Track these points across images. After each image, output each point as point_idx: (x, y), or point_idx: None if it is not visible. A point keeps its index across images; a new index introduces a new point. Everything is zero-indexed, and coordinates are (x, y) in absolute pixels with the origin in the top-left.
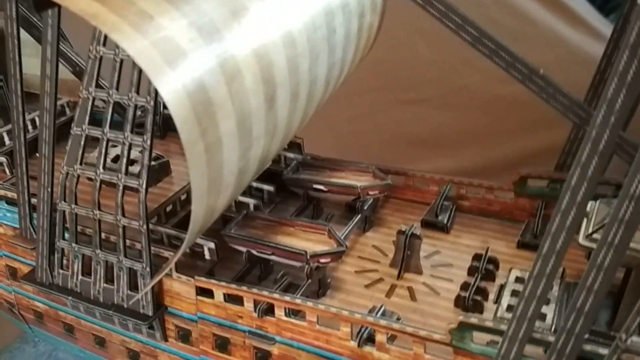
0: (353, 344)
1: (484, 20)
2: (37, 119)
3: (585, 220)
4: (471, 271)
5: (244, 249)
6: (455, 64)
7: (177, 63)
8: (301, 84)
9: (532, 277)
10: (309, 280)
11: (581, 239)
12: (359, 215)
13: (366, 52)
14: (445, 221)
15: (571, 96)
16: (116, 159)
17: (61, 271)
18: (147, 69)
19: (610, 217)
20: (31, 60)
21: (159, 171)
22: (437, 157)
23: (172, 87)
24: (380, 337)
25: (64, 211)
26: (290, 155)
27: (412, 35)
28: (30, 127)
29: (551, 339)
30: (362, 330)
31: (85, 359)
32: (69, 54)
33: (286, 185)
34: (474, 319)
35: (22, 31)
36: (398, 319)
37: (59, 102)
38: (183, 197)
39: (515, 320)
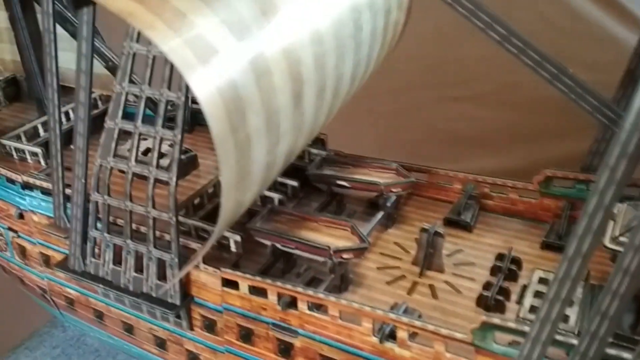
0: (375, 339)
1: (536, 17)
2: (70, 112)
3: (612, 222)
4: (494, 271)
5: (268, 243)
6: (504, 61)
7: (209, 61)
8: (327, 81)
9: (557, 279)
10: (332, 275)
11: (607, 242)
12: (382, 212)
13: (391, 48)
14: (468, 220)
15: (600, 96)
16: (146, 152)
17: (93, 260)
18: (180, 67)
19: (639, 221)
20: (65, 54)
21: (187, 165)
22: (481, 156)
23: (204, 84)
24: (401, 334)
25: (96, 202)
26: (314, 151)
27: (461, 31)
28: (64, 119)
29: (574, 341)
30: (384, 326)
31: (114, 344)
32: (102, 49)
33: (310, 180)
34: (496, 319)
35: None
36: (419, 316)
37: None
38: (210, 190)
39: (539, 322)
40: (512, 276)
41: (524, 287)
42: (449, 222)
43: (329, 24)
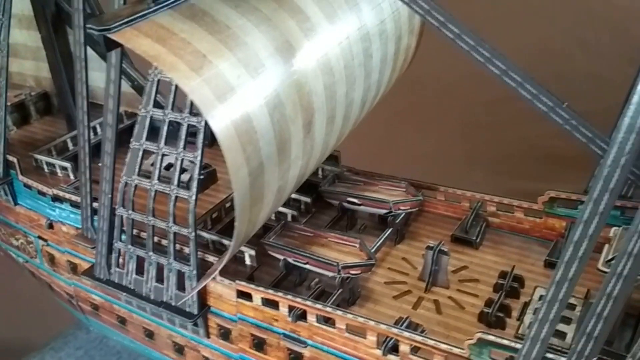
0: (378, 352)
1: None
2: (98, 127)
3: (606, 245)
4: (496, 288)
5: (281, 257)
6: (615, 80)
7: (226, 98)
8: (338, 108)
9: (545, 301)
10: (340, 290)
11: (600, 264)
12: (390, 229)
13: (403, 70)
14: (474, 237)
15: (593, 129)
16: (168, 167)
17: (117, 269)
18: (199, 105)
19: (621, 250)
20: (94, 73)
21: (206, 179)
22: (581, 178)
23: (220, 120)
24: (403, 348)
25: (122, 216)
26: (328, 167)
27: (571, 46)
28: (92, 134)
29: (563, 359)
30: (387, 340)
31: (135, 349)
32: (128, 70)
33: (322, 196)
34: (492, 335)
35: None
36: (422, 331)
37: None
38: (227, 205)
39: (529, 341)
40: (514, 293)
41: (525, 304)
42: (456, 239)
43: (339, 56)
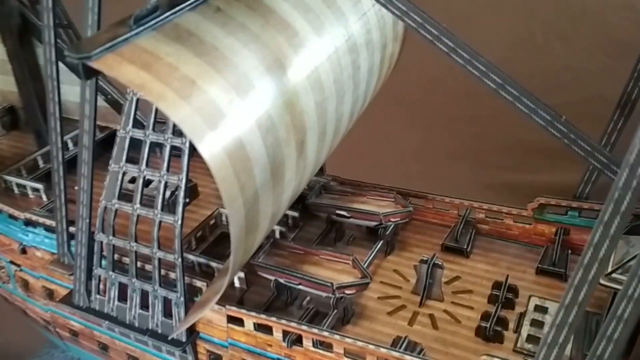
0: None
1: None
2: (69, 142)
3: None
4: (491, 299)
5: (272, 278)
6: (595, 71)
7: (218, 125)
8: (328, 124)
9: (554, 325)
10: (335, 311)
11: (601, 278)
12: (381, 241)
13: (386, 78)
14: (465, 246)
15: (592, 142)
16: (148, 183)
17: (98, 296)
18: (190, 134)
19: (631, 273)
20: (64, 86)
21: (188, 194)
22: (559, 169)
23: (213, 148)
24: None
25: (101, 242)
26: (313, 178)
27: (551, 39)
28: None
29: None
30: None
31: None
32: (101, 83)
33: (309, 209)
34: (498, 358)
35: None
36: (421, 350)
37: None
38: (212, 222)
39: None
40: (509, 304)
41: (521, 315)
42: (447, 248)
43: (329, 70)
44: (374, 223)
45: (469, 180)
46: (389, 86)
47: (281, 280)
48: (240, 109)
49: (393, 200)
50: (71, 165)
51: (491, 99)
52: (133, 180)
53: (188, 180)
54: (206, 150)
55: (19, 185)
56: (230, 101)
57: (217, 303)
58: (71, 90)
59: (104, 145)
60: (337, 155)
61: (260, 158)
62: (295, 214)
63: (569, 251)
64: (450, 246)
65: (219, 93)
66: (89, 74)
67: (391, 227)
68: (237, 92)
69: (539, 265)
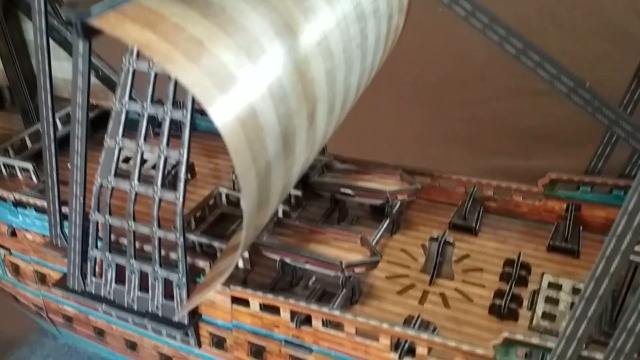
0: (393, 355)
1: None
2: (57, 121)
3: None
4: (503, 277)
5: (277, 257)
6: (592, 55)
7: (229, 91)
8: (337, 95)
9: (583, 298)
10: (344, 290)
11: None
12: (388, 220)
13: (390, 52)
14: (473, 224)
15: (617, 110)
16: (142, 163)
17: (94, 279)
18: (201, 100)
19: None
20: (52, 63)
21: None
22: (557, 154)
23: (226, 117)
24: (421, 350)
25: (97, 221)
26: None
27: (546, 22)
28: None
29: (599, 357)
30: (403, 342)
31: None
32: (92, 59)
33: (312, 188)
34: (519, 335)
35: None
36: (434, 329)
37: None
38: (211, 202)
39: (564, 340)
40: (522, 282)
41: (534, 293)
42: (454, 227)
43: (338, 38)
44: (380, 201)
45: (465, 166)
46: (385, 73)
47: (287, 260)
48: (252, 74)
49: (399, 177)
50: (61, 146)
51: (487, 84)
52: (126, 160)
53: (189, 157)
54: (219, 118)
55: (6, 166)
56: (241, 65)
57: (221, 284)
58: (59, 66)
59: (95, 125)
60: (333, 139)
61: (273, 128)
62: (299, 192)
63: (581, 227)
64: (458, 224)
65: (229, 57)
66: (87, 34)
67: (397, 206)
68: (248, 56)
69: (551, 242)
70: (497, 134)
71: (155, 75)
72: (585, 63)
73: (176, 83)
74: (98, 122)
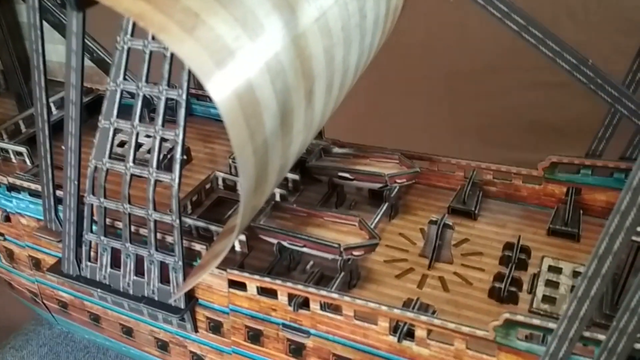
0: (392, 338)
1: None
2: (51, 105)
3: None
4: (503, 260)
5: (274, 241)
6: (603, 49)
7: (226, 64)
8: (335, 75)
9: (586, 277)
10: (342, 273)
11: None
12: (386, 204)
13: (389, 35)
14: (473, 208)
15: (620, 87)
16: (137, 147)
17: (89, 263)
18: (197, 72)
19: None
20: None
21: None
22: (569, 147)
23: (222, 90)
24: (420, 333)
25: (91, 204)
26: (313, 141)
27: (559, 12)
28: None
29: (602, 337)
30: (402, 325)
31: (112, 347)
32: (85, 40)
33: (310, 172)
34: (520, 316)
35: None
36: (434, 312)
37: None
38: (207, 186)
39: (567, 320)
40: (522, 265)
41: (534, 276)
42: (454, 211)
43: (337, 15)
44: (379, 185)
45: (474, 157)
46: (395, 62)
47: (285, 243)
48: (249, 48)
49: (398, 161)
50: (55, 131)
51: (498, 76)
52: (121, 144)
53: (185, 137)
54: (215, 91)
55: (0, 150)
56: (237, 38)
57: (218, 267)
58: (53, 49)
59: (90, 110)
60: (340, 130)
61: (270, 104)
62: (296, 176)
63: (581, 211)
64: (457, 208)
65: (225, 29)
66: (80, 4)
67: (396, 190)
68: (245, 29)
69: (551, 226)
70: (508, 127)
71: (151, 53)
72: (600, 55)
73: (171, 62)
74: (93, 107)
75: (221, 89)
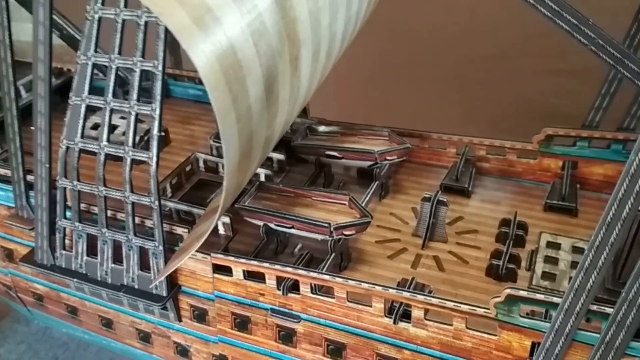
0: (387, 320)
1: None
2: (21, 89)
3: None
4: (500, 238)
5: (260, 223)
6: (616, 35)
7: (206, 23)
8: (322, 42)
9: (593, 247)
10: (333, 254)
11: None
12: (377, 182)
13: (375, 6)
14: (466, 185)
15: (623, 48)
16: (112, 129)
17: (64, 252)
18: (175, 31)
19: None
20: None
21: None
22: None
23: (202, 51)
24: (417, 313)
25: (64, 188)
26: (298, 120)
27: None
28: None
29: (609, 310)
30: (398, 306)
31: (92, 341)
32: (55, 17)
33: (295, 152)
34: (523, 291)
35: None
36: (430, 292)
37: None
38: (188, 168)
39: (573, 292)
40: (520, 242)
41: (532, 253)
42: (446, 189)
43: None
44: (368, 163)
45: None
46: (403, 49)
47: (271, 225)
48: (230, 6)
49: (387, 138)
50: (25, 116)
51: (508, 63)
52: (95, 127)
53: (162, 111)
54: (194, 52)
55: None
56: None
57: (201, 251)
58: (21, 28)
59: (62, 93)
60: (347, 113)
61: (254, 67)
62: (281, 156)
63: (578, 185)
64: (450, 186)
65: None
66: None
67: (386, 168)
68: None
69: (547, 201)
70: (519, 115)
71: (123, 22)
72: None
73: (146, 32)
74: (66, 90)
75: (201, 51)
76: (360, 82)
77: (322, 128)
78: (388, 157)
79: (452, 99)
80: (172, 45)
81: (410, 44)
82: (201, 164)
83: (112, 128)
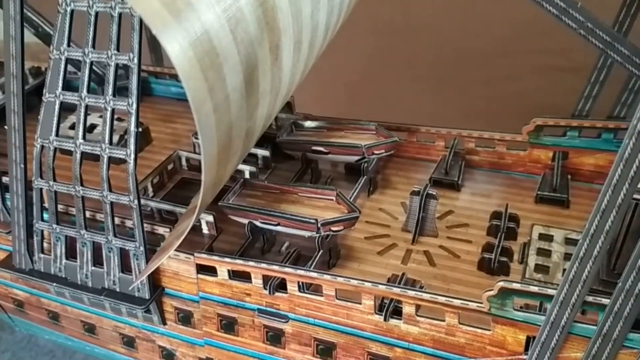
0: (377, 317)
1: None
2: None
3: None
4: (491, 231)
5: (245, 221)
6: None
7: (178, 9)
8: (304, 31)
9: (587, 235)
10: (321, 251)
11: None
12: (364, 177)
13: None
14: (455, 179)
15: (613, 32)
16: (91, 129)
17: (42, 255)
18: (145, 17)
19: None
20: None
21: (140, 139)
22: None
23: (174, 39)
24: (408, 309)
25: (40, 189)
26: (282, 115)
27: None
28: None
29: (605, 301)
30: (388, 302)
31: (74, 347)
32: (29, 13)
33: (280, 148)
34: (516, 284)
35: None
36: (421, 287)
37: None
38: (170, 167)
39: (568, 283)
40: (512, 235)
41: (525, 245)
42: (436, 183)
43: None
44: (356, 158)
45: None
46: (401, 45)
47: (257, 223)
48: None
49: (375, 132)
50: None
51: (508, 60)
52: (72, 127)
53: (139, 106)
54: (167, 39)
55: None
56: None
57: (184, 251)
58: None
59: (39, 95)
60: (343, 111)
61: (231, 55)
62: (266, 152)
63: (569, 176)
64: (439, 180)
65: None
66: None
67: (374, 162)
68: None
69: (539, 193)
70: (518, 113)
71: (97, 15)
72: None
73: (120, 24)
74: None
75: (174, 39)
76: (353, 79)
77: (308, 123)
78: (376, 152)
79: (450, 97)
80: (152, 42)
81: (407, 41)
82: (184, 162)
83: (91, 127)
